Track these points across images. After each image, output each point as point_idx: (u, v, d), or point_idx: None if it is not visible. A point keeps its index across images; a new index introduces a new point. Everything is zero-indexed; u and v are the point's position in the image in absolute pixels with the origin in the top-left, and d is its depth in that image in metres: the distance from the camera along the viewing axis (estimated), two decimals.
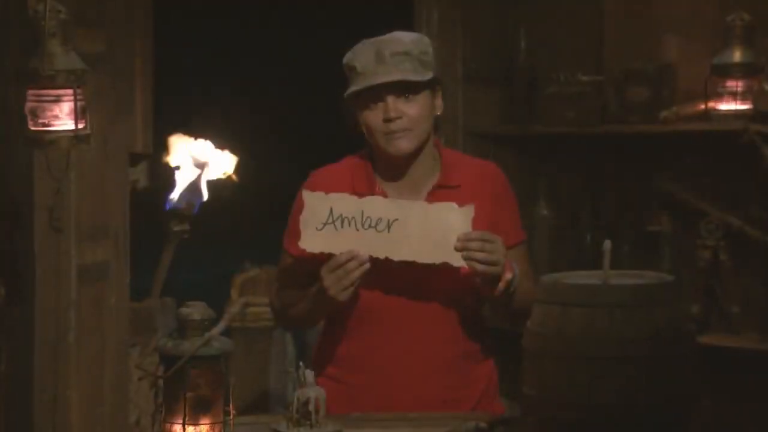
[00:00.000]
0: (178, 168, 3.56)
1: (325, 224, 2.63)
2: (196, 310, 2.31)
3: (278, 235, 2.85)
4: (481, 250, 2.57)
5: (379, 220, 2.63)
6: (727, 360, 3.97)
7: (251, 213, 9.12)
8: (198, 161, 3.54)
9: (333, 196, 2.65)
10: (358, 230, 2.62)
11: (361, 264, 2.58)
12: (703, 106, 4.02)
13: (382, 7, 5.12)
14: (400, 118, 2.67)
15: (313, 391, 2.42)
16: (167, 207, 3.58)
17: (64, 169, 3.28)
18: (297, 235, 2.65)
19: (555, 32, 4.56)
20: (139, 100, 3.96)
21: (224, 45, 10.31)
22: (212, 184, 3.58)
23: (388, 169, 2.77)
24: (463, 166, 2.81)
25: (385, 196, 2.71)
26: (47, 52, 2.88)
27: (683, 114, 4.15)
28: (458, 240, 2.58)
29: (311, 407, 2.41)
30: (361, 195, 2.67)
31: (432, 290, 2.70)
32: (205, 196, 3.55)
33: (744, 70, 3.95)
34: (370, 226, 2.62)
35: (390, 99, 2.68)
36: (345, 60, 2.74)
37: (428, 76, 2.70)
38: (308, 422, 2.41)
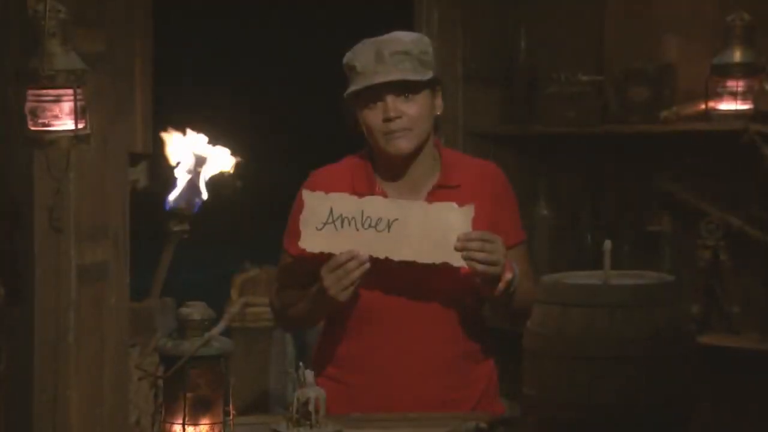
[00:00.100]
0: (177, 165, 3.56)
1: (325, 224, 2.62)
2: (196, 310, 2.31)
3: (278, 235, 2.84)
4: (481, 250, 2.57)
5: (379, 220, 2.62)
6: (727, 360, 3.97)
7: (251, 213, 9.12)
8: (196, 155, 3.53)
9: (333, 195, 2.65)
10: (358, 230, 2.62)
11: (361, 264, 2.58)
12: (703, 106, 4.02)
13: (382, 7, 5.12)
14: (399, 117, 2.67)
15: (313, 391, 2.42)
16: (167, 207, 3.57)
17: (64, 169, 3.28)
18: (297, 235, 2.64)
19: (555, 32, 4.56)
20: (139, 100, 3.96)
21: (224, 45, 10.31)
22: (212, 184, 3.57)
23: (388, 169, 2.76)
24: (463, 166, 2.81)
25: (385, 196, 2.70)
26: (47, 52, 2.88)
27: (683, 114, 4.15)
28: (458, 240, 2.58)
29: (311, 407, 2.40)
30: (361, 195, 2.67)
31: (432, 290, 2.70)
32: (205, 195, 3.54)
33: (744, 70, 3.94)
34: (370, 226, 2.62)
35: (390, 99, 2.67)
36: (345, 60, 2.73)
37: (428, 75, 2.70)
38: (308, 422, 2.41)
